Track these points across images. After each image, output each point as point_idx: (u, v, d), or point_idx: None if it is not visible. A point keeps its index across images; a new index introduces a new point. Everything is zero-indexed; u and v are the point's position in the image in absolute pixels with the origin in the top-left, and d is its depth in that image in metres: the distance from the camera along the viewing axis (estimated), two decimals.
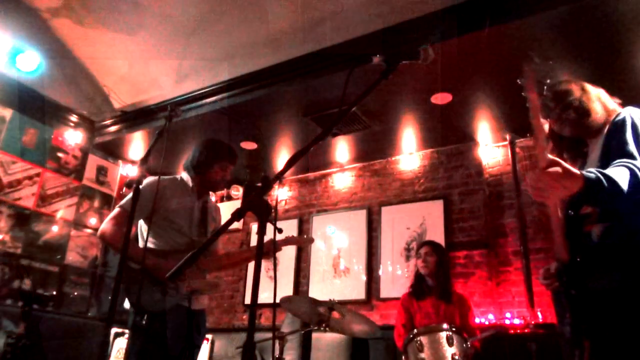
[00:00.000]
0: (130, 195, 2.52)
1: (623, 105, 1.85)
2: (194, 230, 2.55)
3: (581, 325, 1.61)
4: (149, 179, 2.60)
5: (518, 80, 1.55)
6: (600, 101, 1.82)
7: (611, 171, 1.49)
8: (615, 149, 1.61)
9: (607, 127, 1.73)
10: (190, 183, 2.66)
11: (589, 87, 1.86)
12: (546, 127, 1.51)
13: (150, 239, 2.48)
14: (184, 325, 2.41)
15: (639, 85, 3.70)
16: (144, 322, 2.28)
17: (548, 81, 1.49)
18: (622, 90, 3.62)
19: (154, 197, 2.39)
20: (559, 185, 1.43)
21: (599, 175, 1.45)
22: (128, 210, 2.48)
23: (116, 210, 2.49)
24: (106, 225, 2.44)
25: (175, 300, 2.36)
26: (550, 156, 1.50)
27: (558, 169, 1.44)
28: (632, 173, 1.49)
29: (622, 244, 1.58)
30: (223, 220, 2.79)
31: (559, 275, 1.69)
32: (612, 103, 1.84)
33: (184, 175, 2.71)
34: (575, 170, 1.45)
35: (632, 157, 1.55)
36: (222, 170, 2.66)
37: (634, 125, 1.64)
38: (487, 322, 3.98)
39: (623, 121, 1.66)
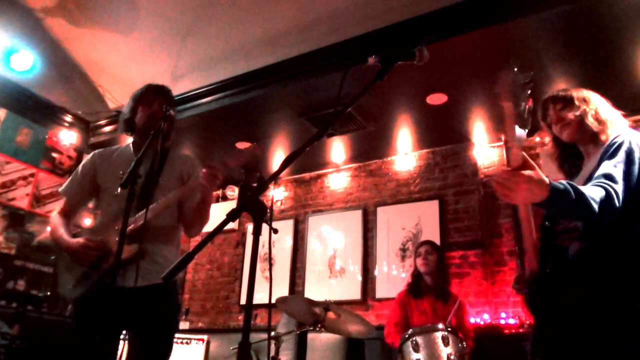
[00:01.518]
0: (69, 179, 2.45)
1: (626, 115, 1.85)
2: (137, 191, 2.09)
3: (545, 336, 1.63)
4: (88, 156, 2.53)
5: (495, 90, 1.54)
6: (613, 115, 1.82)
7: (585, 187, 1.50)
8: (602, 168, 1.60)
9: (606, 144, 1.72)
10: (130, 143, 2.49)
11: (604, 100, 1.86)
12: (519, 133, 1.49)
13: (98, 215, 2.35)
14: (109, 309, 1.97)
15: (635, 86, 3.72)
16: (67, 314, 2.06)
17: (529, 92, 1.48)
18: (618, 92, 3.65)
19: (88, 174, 2.38)
20: (526, 188, 1.42)
21: (568, 187, 1.44)
22: (67, 196, 2.38)
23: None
24: (52, 216, 2.35)
25: (92, 282, 2.06)
26: (526, 156, 1.51)
27: (530, 172, 1.44)
28: (608, 194, 1.49)
29: (596, 265, 1.59)
30: (219, 218, 2.74)
31: (529, 283, 1.70)
32: (620, 121, 1.82)
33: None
34: (545, 178, 1.44)
35: (612, 179, 1.54)
36: (148, 106, 2.40)
37: (629, 150, 1.62)
38: (482, 322, 3.99)
39: (620, 144, 1.65)
